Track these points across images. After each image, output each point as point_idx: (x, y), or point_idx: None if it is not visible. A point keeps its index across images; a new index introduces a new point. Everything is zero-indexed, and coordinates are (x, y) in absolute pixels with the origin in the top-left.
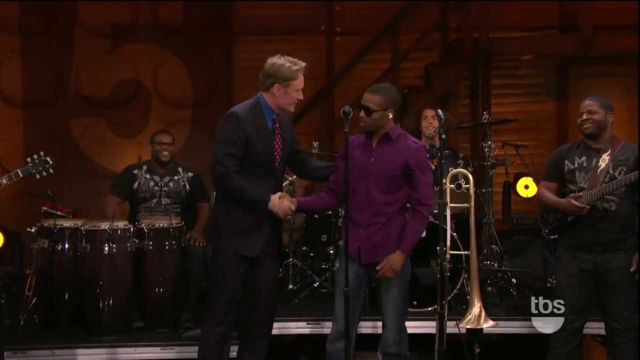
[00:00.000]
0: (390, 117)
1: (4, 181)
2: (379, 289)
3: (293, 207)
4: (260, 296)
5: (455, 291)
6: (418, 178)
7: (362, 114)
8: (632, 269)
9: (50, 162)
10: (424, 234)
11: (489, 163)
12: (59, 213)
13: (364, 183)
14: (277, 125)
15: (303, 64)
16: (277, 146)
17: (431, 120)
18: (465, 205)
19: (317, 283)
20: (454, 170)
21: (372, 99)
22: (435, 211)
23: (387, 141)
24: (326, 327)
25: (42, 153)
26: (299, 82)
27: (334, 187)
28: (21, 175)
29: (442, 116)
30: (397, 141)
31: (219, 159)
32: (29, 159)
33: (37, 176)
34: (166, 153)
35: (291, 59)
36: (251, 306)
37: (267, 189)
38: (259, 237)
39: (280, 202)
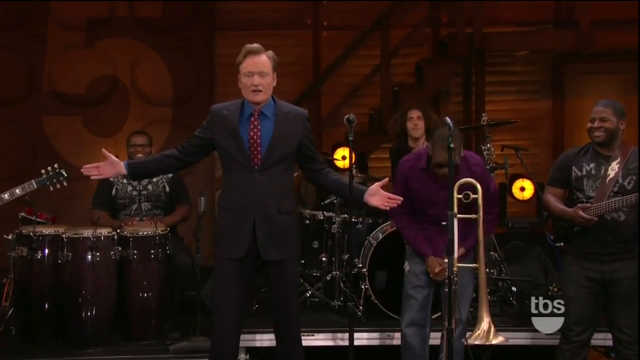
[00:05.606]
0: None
1: (17, 191)
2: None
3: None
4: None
5: None
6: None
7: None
8: None
9: (65, 175)
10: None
11: (488, 167)
12: (38, 219)
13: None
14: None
15: (253, 46)
16: (252, 141)
17: (416, 122)
18: (474, 216)
19: (310, 292)
20: (462, 180)
21: None
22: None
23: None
24: (320, 339)
25: (56, 165)
26: (245, 65)
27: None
28: (35, 187)
29: (451, 125)
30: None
31: None
32: (43, 171)
33: (51, 188)
34: (140, 155)
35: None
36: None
37: (247, 185)
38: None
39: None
